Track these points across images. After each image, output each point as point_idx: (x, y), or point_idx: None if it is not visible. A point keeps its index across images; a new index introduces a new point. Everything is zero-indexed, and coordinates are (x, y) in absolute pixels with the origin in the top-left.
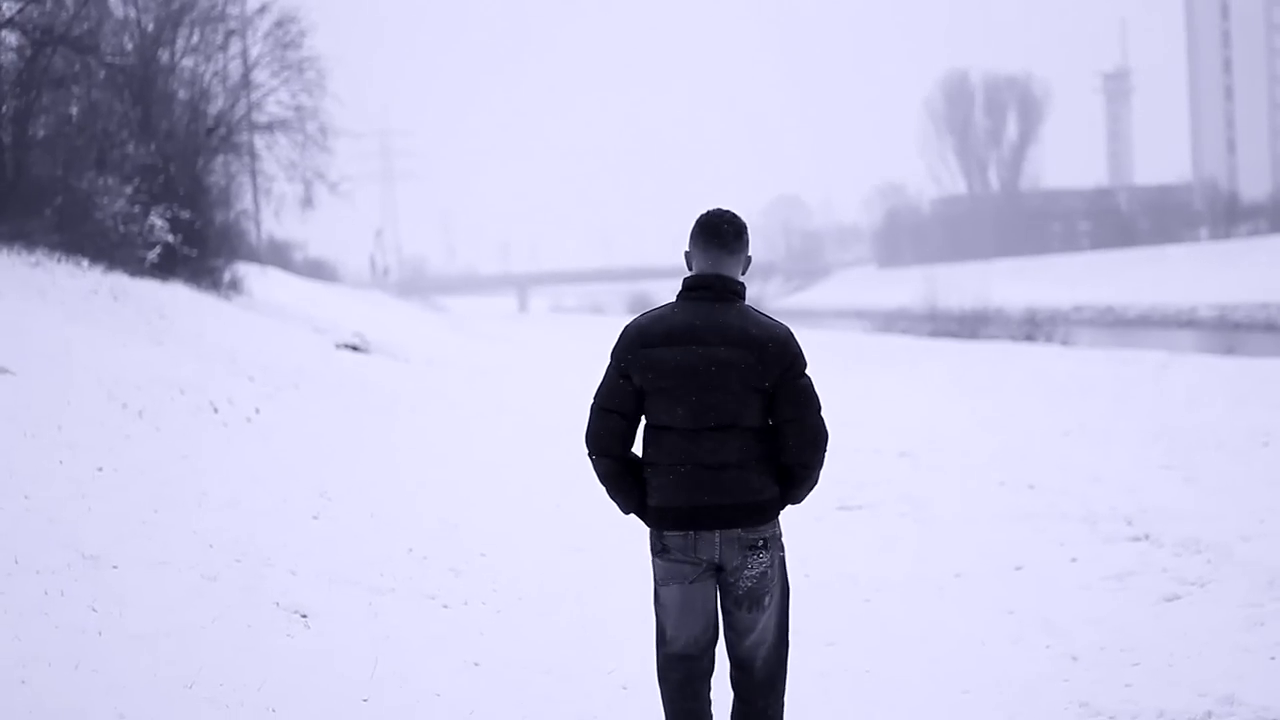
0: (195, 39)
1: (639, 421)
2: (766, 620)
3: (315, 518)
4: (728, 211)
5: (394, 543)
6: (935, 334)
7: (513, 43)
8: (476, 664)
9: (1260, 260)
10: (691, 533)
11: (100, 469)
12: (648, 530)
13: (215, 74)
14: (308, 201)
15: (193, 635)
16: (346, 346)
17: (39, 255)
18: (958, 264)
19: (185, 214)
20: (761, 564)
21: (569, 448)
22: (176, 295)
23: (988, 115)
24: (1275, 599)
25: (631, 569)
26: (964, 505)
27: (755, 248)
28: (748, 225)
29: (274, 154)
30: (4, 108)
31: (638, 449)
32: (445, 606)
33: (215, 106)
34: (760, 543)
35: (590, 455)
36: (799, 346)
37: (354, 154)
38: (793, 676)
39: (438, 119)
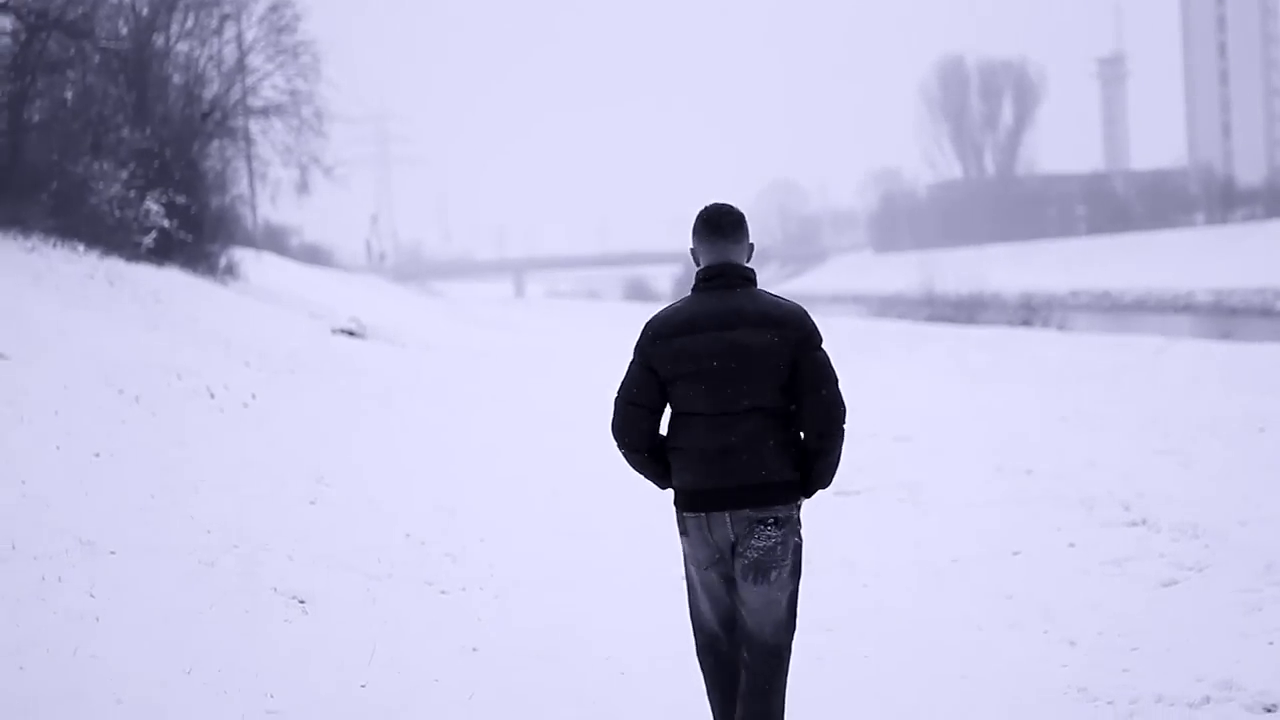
0: (190, 23)
1: (662, 411)
2: (773, 595)
3: (312, 503)
4: (724, 204)
5: (391, 528)
6: (932, 319)
7: (510, 28)
8: (474, 649)
9: (1256, 245)
10: (704, 514)
11: (97, 454)
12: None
13: (210, 58)
14: (303, 186)
15: (190, 621)
16: (342, 332)
17: (35, 240)
18: (954, 249)
19: (181, 199)
20: (769, 538)
21: (566, 433)
22: (172, 280)
23: (983, 100)
24: (1272, 584)
25: (629, 555)
26: (961, 490)
27: (751, 233)
28: (745, 214)
29: (269, 139)
30: None
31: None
32: (443, 592)
33: (210, 91)
34: (770, 520)
35: (620, 449)
36: (814, 323)
37: (350, 139)
38: (791, 660)
39: (434, 104)
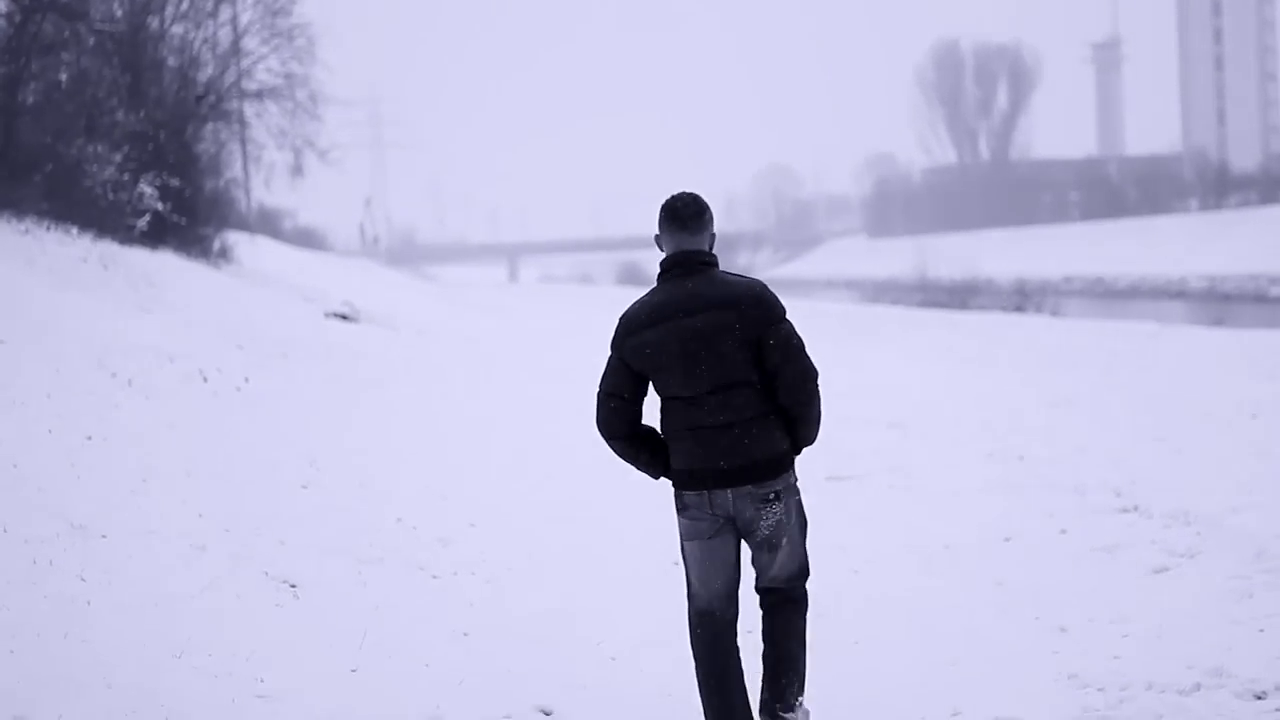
0: (184, 5)
1: (642, 400)
2: (785, 559)
3: (304, 487)
4: (688, 194)
5: (383, 512)
6: (925, 304)
7: (502, 11)
8: (465, 634)
9: (1250, 231)
10: (705, 492)
11: (89, 438)
12: (671, 491)
13: (205, 41)
14: (297, 170)
15: (182, 605)
16: (336, 315)
17: (28, 223)
18: (948, 234)
19: (175, 182)
20: (775, 515)
21: (559, 418)
22: (166, 263)
23: (978, 85)
24: (1263, 571)
25: (621, 540)
26: (953, 476)
27: (745, 217)
28: (710, 205)
29: (264, 122)
30: None
31: (653, 423)
32: (434, 577)
33: (205, 74)
34: (772, 495)
35: (605, 440)
36: (774, 295)
37: (344, 122)
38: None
39: (429, 87)
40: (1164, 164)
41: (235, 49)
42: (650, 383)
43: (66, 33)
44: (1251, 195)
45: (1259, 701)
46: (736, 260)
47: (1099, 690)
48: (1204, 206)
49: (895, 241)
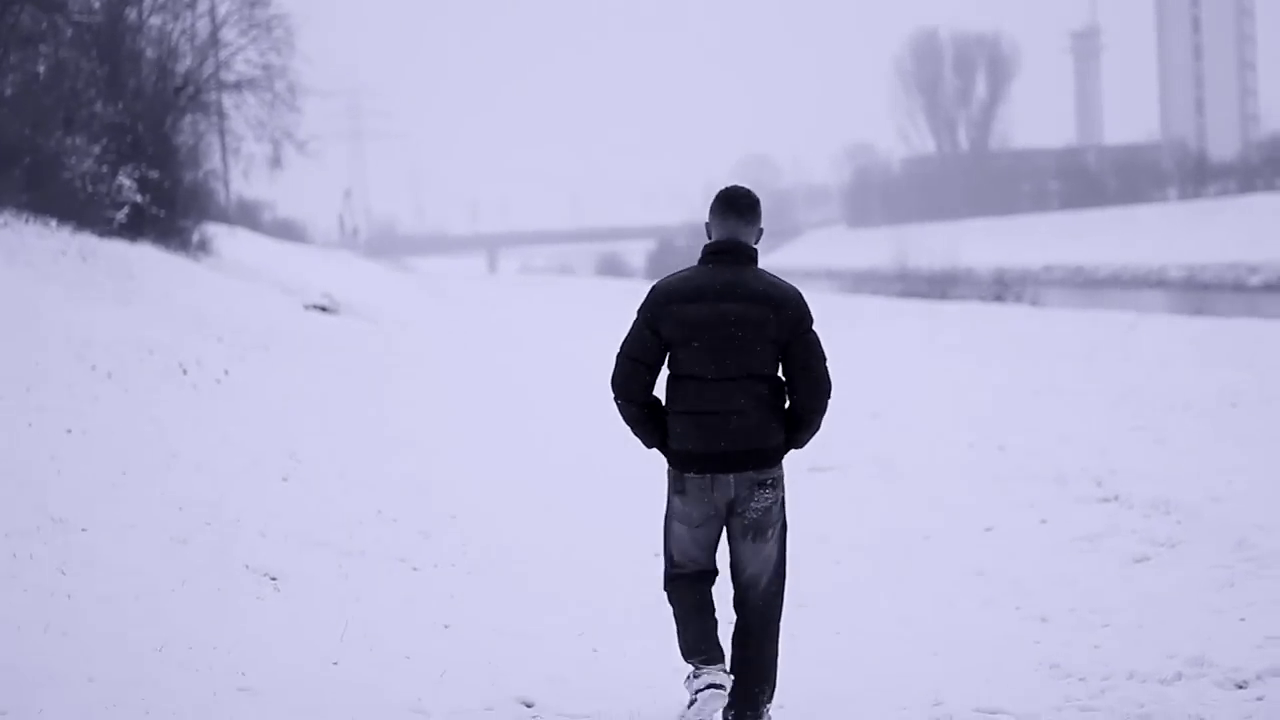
0: None
1: (659, 370)
2: (768, 551)
3: (285, 479)
4: (745, 187)
5: (364, 505)
6: (905, 294)
7: (482, 1)
8: (446, 626)
9: (1228, 220)
10: (709, 475)
11: (69, 431)
12: (666, 469)
13: (183, 32)
14: (276, 161)
15: (162, 598)
16: (316, 307)
17: (7, 216)
18: (927, 224)
19: (153, 174)
20: (767, 499)
21: (539, 409)
22: (145, 256)
23: (957, 74)
24: (1244, 560)
25: (602, 531)
26: (934, 466)
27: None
28: (760, 200)
29: (242, 113)
30: None
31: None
32: (415, 569)
33: (183, 65)
34: (769, 481)
35: (616, 399)
36: (807, 304)
37: (323, 113)
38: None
39: (407, 78)
40: (1143, 153)
41: (213, 40)
42: (668, 356)
43: (44, 24)
44: (1230, 184)
45: (1240, 690)
46: None
47: (1080, 680)
48: (1183, 196)
49: (875, 231)
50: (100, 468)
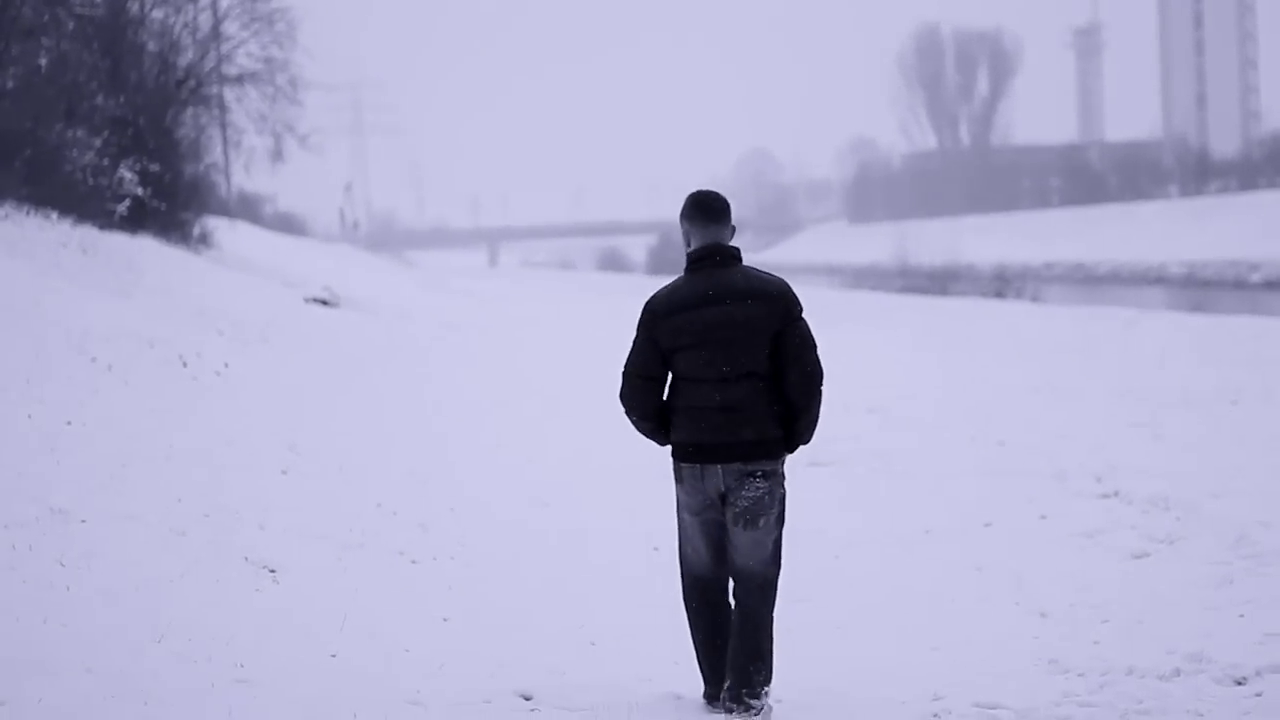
0: None
1: (665, 380)
2: (761, 539)
3: (284, 472)
4: (711, 190)
5: (363, 497)
6: (906, 290)
7: None
8: (445, 619)
9: (1229, 218)
10: (698, 465)
11: (69, 423)
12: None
13: (185, 26)
14: (278, 155)
15: (161, 590)
16: (316, 301)
17: (8, 208)
18: (928, 220)
19: (155, 167)
20: (758, 490)
21: (538, 403)
22: (146, 249)
23: (959, 70)
24: (1243, 556)
25: (601, 525)
26: (933, 461)
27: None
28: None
29: (244, 107)
30: None
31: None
32: (414, 562)
33: (185, 59)
34: (758, 473)
35: (628, 415)
36: (796, 295)
37: (324, 107)
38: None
39: (409, 72)
40: (1144, 150)
41: (215, 34)
42: (671, 362)
43: (46, 17)
44: (1231, 181)
45: (1239, 687)
46: None
47: (1079, 675)
48: (1184, 193)
49: (876, 227)
50: (100, 460)
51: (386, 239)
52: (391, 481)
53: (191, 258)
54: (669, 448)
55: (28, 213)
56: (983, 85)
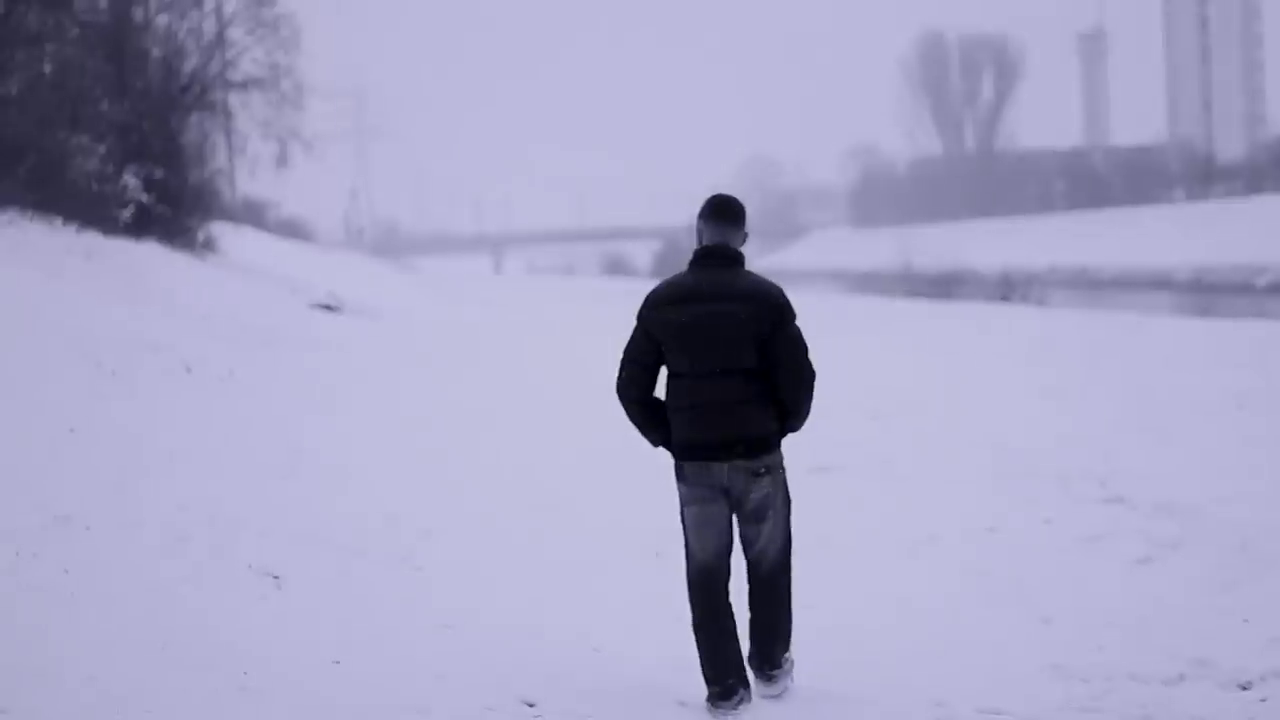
0: None
1: (657, 371)
2: (771, 530)
3: (288, 478)
4: (731, 196)
5: (366, 504)
6: (910, 295)
7: (484, 1)
8: (448, 626)
9: (1235, 222)
10: (702, 463)
11: (72, 429)
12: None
13: (189, 31)
14: (282, 160)
15: (165, 597)
16: (320, 306)
17: (12, 214)
18: (933, 225)
19: (159, 173)
20: (764, 488)
21: (542, 409)
22: (150, 254)
23: (963, 76)
24: (1248, 561)
25: (604, 531)
26: (936, 467)
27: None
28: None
29: (248, 112)
30: None
31: (661, 394)
32: (417, 568)
33: (189, 64)
34: (762, 470)
35: (620, 400)
36: (788, 300)
37: (328, 112)
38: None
39: (413, 78)
40: (1149, 154)
41: (220, 39)
42: (665, 357)
43: (50, 23)
44: (1237, 185)
45: (1244, 692)
46: None
47: (1083, 681)
48: (1190, 197)
49: (880, 232)
50: (104, 466)
51: (390, 245)
52: (395, 488)
53: (196, 263)
54: (667, 455)
55: (32, 219)
56: (987, 90)
